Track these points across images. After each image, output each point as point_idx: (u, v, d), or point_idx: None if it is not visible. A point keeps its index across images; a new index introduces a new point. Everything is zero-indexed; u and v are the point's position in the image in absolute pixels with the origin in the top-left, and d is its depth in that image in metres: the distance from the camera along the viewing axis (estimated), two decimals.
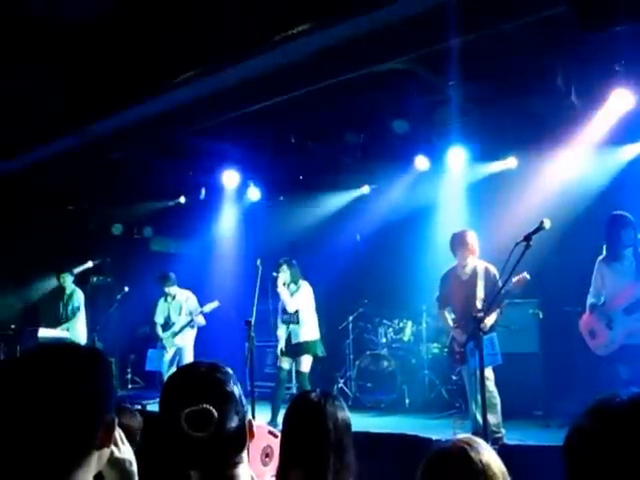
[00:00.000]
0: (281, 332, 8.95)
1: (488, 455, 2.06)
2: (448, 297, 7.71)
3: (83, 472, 1.60)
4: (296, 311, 8.82)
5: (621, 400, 1.36)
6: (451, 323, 7.62)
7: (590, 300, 6.97)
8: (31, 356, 1.66)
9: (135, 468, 2.05)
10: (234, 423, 2.08)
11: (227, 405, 2.08)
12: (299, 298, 8.87)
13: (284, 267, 8.82)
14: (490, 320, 6.78)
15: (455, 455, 2.04)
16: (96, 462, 1.65)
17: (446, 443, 2.11)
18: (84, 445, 1.60)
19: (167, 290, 10.39)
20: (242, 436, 2.11)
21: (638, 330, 6.53)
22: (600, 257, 6.99)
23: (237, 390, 2.14)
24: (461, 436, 2.14)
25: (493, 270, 7.27)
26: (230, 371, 2.19)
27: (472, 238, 7.49)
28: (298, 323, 8.80)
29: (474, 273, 7.43)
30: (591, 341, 6.88)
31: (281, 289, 8.76)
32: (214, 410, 2.03)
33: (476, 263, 7.47)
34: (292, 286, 8.90)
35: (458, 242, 7.51)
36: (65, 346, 1.74)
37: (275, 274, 8.72)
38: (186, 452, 2.05)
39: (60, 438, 1.55)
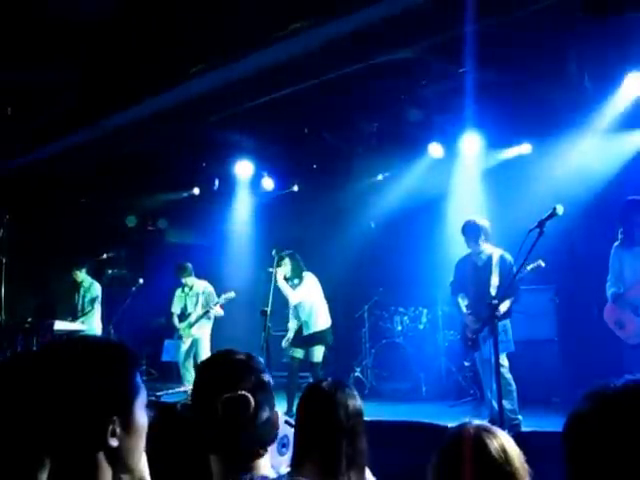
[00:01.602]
0: (292, 324, 8.96)
1: (503, 440, 2.07)
2: (462, 283, 7.68)
3: (100, 469, 1.59)
4: (297, 305, 8.82)
5: (615, 386, 1.38)
6: (464, 309, 7.60)
7: (611, 289, 6.82)
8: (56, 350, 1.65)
9: (145, 459, 2.06)
10: (267, 413, 2.10)
11: (263, 394, 2.10)
12: (302, 291, 8.81)
13: (285, 260, 8.75)
14: (504, 307, 6.76)
15: (470, 441, 2.04)
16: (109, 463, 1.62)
17: (460, 428, 2.11)
18: (99, 438, 1.58)
19: (184, 281, 10.41)
20: (272, 427, 2.12)
21: None
22: (616, 243, 6.87)
23: (270, 381, 2.16)
24: (475, 422, 2.15)
25: (509, 258, 7.23)
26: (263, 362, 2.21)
27: (485, 225, 7.46)
28: (299, 318, 8.83)
29: (489, 260, 7.40)
30: (620, 331, 6.72)
31: (281, 282, 8.71)
32: (252, 397, 2.05)
33: (492, 250, 7.44)
34: (295, 280, 8.85)
35: (471, 229, 7.49)
36: (93, 340, 1.74)
37: (271, 269, 8.64)
38: (216, 437, 2.06)
39: (78, 432, 1.55)
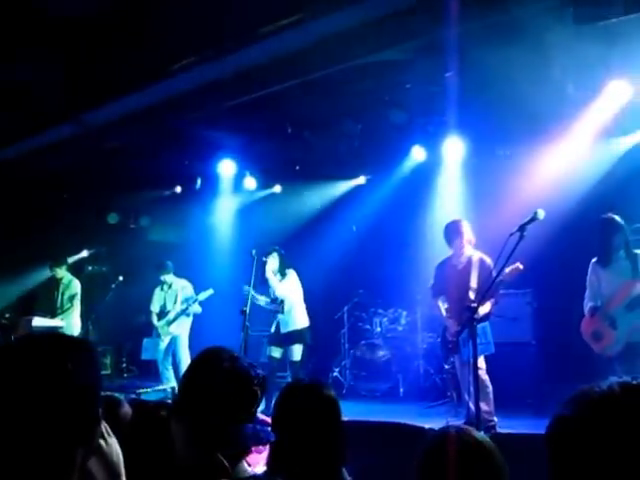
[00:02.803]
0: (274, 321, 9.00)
1: (484, 443, 2.10)
2: (442, 286, 7.71)
3: (67, 468, 1.56)
4: (282, 300, 8.86)
5: (600, 390, 1.38)
6: (444, 312, 7.63)
7: (589, 304, 6.93)
8: (15, 347, 1.61)
9: (122, 460, 2.00)
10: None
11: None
12: (287, 285, 8.91)
13: (274, 255, 8.88)
14: (484, 309, 6.80)
15: (453, 443, 2.07)
16: (81, 456, 1.61)
17: (444, 431, 2.14)
18: (68, 440, 1.56)
19: (163, 278, 10.44)
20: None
21: None
22: (593, 260, 7.00)
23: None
24: (456, 425, 2.17)
25: (488, 261, 7.28)
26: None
27: (466, 227, 7.50)
28: (283, 312, 8.85)
29: (469, 263, 7.44)
30: (596, 344, 6.80)
31: (270, 275, 8.79)
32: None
33: (471, 253, 7.47)
34: (279, 275, 8.94)
35: (452, 232, 7.52)
36: (51, 336, 1.68)
37: (265, 259, 8.74)
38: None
39: (43, 432, 1.51)
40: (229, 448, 2.08)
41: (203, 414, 2.09)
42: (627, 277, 6.68)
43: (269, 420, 2.92)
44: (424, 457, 2.10)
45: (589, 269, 7.01)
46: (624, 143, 8.93)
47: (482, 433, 2.21)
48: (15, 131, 9.27)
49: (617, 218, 6.77)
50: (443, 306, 7.68)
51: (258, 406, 2.19)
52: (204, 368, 2.19)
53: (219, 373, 2.13)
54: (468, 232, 7.49)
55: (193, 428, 2.10)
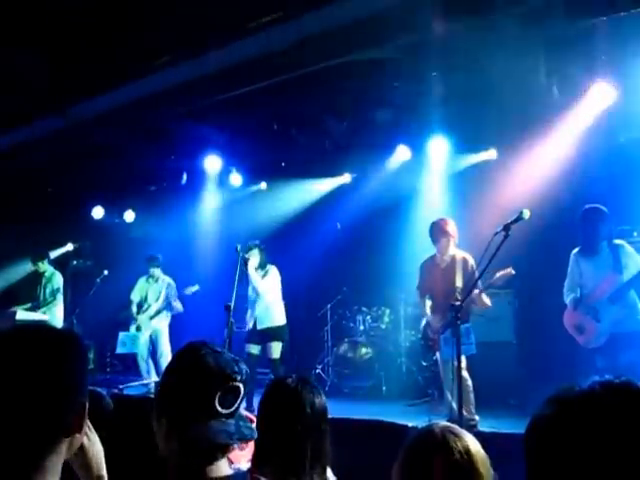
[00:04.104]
0: (249, 317, 9.03)
1: (469, 442, 2.10)
2: (428, 285, 7.75)
3: (52, 459, 1.55)
4: (257, 296, 8.88)
5: (580, 389, 1.36)
6: (428, 310, 7.67)
7: (569, 295, 6.89)
8: (2, 337, 1.60)
9: (102, 455, 2.01)
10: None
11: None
12: (268, 281, 8.92)
13: (255, 251, 8.88)
14: (486, 301, 7.03)
15: (436, 443, 2.07)
16: (66, 449, 1.60)
17: (425, 430, 2.15)
18: (54, 430, 1.55)
19: (151, 271, 10.42)
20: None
21: (624, 318, 6.52)
22: (575, 250, 6.95)
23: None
24: (441, 423, 2.18)
25: (471, 260, 7.32)
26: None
27: (452, 226, 7.52)
28: (261, 307, 8.88)
29: (452, 262, 7.47)
30: (579, 336, 6.77)
31: (251, 271, 8.80)
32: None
33: (455, 252, 7.51)
34: (259, 271, 8.94)
35: (438, 230, 7.55)
36: (39, 328, 1.67)
37: (247, 256, 8.75)
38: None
39: (28, 423, 1.51)
40: (211, 445, 2.07)
41: (183, 411, 2.08)
42: (609, 269, 6.64)
43: (253, 417, 2.90)
44: (405, 455, 2.09)
45: (570, 259, 6.95)
46: (606, 144, 8.96)
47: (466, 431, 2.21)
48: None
49: (602, 208, 6.68)
50: (428, 303, 7.72)
51: (241, 402, 2.18)
52: (185, 363, 2.17)
53: (201, 368, 2.11)
54: (453, 231, 7.51)
55: (173, 425, 2.09)
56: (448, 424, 2.20)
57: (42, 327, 1.70)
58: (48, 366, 1.55)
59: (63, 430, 1.57)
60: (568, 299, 6.92)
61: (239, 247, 8.30)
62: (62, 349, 1.61)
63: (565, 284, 6.98)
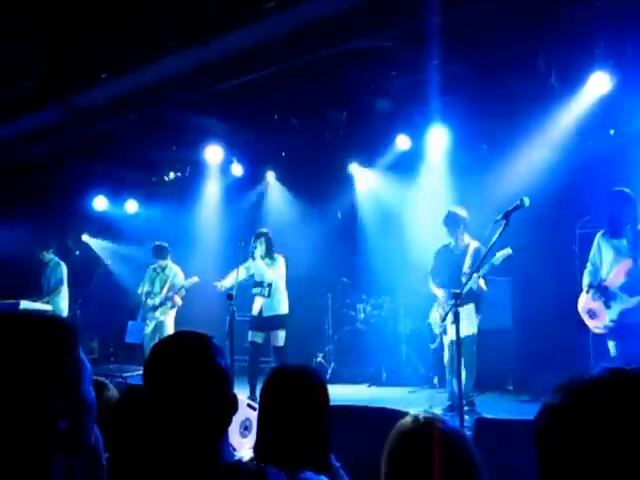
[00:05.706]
0: (254, 305, 9.08)
1: (454, 431, 2.13)
2: (440, 271, 7.93)
3: (51, 444, 1.54)
4: (269, 284, 8.94)
5: (591, 376, 1.34)
6: (442, 293, 7.82)
7: (587, 279, 6.80)
8: None
9: (101, 444, 2.01)
10: (219, 397, 2.06)
11: (215, 378, 2.05)
12: (276, 270, 8.99)
13: (262, 239, 8.93)
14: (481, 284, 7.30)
15: (417, 434, 2.09)
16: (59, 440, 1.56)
17: (408, 421, 2.18)
18: (42, 423, 1.53)
19: (159, 262, 10.43)
20: (227, 410, 2.07)
21: (634, 308, 6.46)
22: (599, 233, 6.84)
23: (223, 363, 2.09)
24: (423, 414, 2.20)
25: (483, 250, 7.39)
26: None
27: (464, 215, 7.79)
28: (269, 296, 8.93)
29: (465, 250, 7.71)
30: (590, 321, 6.70)
31: (259, 260, 8.87)
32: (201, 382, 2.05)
33: (469, 241, 7.72)
34: (267, 260, 9.00)
35: (451, 220, 7.73)
36: (24, 315, 1.66)
37: (253, 245, 8.82)
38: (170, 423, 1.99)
39: (30, 406, 1.50)
40: (205, 432, 2.06)
41: (174, 402, 2.06)
42: (626, 255, 6.56)
43: (255, 405, 2.91)
44: (390, 447, 2.09)
45: (594, 241, 6.84)
46: (603, 136, 8.96)
47: (457, 423, 2.22)
48: (1, 114, 9.25)
49: (628, 191, 6.61)
50: (438, 288, 7.90)
51: (231, 388, 2.16)
52: (169, 356, 2.14)
53: (185, 359, 2.04)
54: (466, 220, 7.79)
55: (167, 417, 2.07)
56: (435, 414, 2.22)
57: (26, 312, 1.69)
58: (28, 354, 1.53)
59: (52, 422, 1.54)
60: (584, 282, 6.84)
61: (241, 237, 8.37)
62: (44, 336, 1.58)
63: (586, 266, 6.88)
